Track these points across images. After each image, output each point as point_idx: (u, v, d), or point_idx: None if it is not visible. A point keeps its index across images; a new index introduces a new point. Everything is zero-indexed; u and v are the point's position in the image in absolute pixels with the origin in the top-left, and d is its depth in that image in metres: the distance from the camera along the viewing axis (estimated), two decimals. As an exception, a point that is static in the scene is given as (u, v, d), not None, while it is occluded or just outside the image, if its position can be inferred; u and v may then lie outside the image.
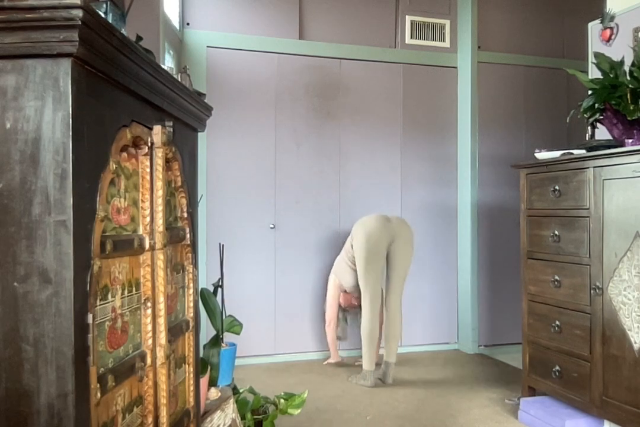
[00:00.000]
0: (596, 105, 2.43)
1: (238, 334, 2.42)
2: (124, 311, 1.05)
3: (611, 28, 3.03)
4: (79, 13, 0.77)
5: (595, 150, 2.41)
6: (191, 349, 1.49)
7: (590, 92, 2.46)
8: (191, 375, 1.49)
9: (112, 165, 0.96)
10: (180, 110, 1.35)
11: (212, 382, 2.05)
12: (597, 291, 2.33)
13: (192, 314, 1.49)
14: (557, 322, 2.57)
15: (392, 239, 3.35)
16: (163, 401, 1.21)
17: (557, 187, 2.57)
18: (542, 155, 2.69)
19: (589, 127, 2.68)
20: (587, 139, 2.70)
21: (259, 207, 3.81)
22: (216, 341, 2.16)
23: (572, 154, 2.51)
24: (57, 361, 0.82)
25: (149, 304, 1.16)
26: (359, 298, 3.54)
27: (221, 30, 3.74)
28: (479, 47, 4.18)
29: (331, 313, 3.65)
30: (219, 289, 2.44)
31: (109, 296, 0.98)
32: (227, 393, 2.10)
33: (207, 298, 2.33)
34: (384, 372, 3.35)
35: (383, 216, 3.42)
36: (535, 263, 2.73)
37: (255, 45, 3.79)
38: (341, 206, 3.96)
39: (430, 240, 4.13)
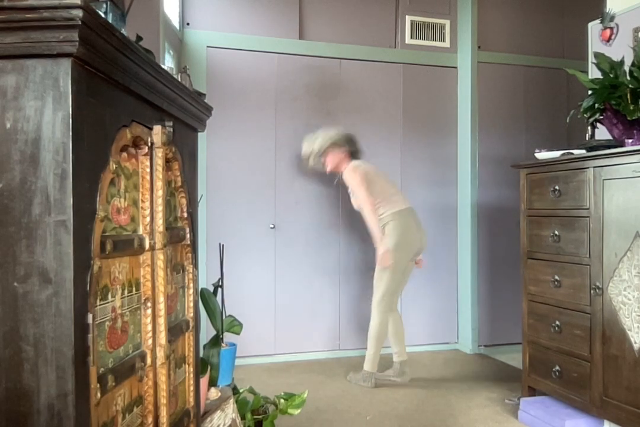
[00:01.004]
0: (596, 105, 2.43)
1: (238, 334, 2.42)
2: (124, 311, 1.05)
3: (611, 28, 3.03)
4: (79, 13, 0.77)
5: (595, 150, 2.41)
6: (191, 349, 1.49)
7: (590, 92, 2.46)
8: (191, 375, 1.49)
9: (112, 165, 0.96)
10: (180, 110, 1.35)
11: (212, 382, 2.05)
12: (597, 291, 2.33)
13: (192, 314, 1.49)
14: (557, 322, 2.57)
15: (418, 253, 3.43)
16: (163, 401, 1.21)
17: (557, 187, 2.57)
18: (542, 155, 2.69)
19: (589, 127, 2.68)
20: (587, 139, 2.70)
21: (259, 207, 3.81)
22: (216, 341, 2.16)
23: (572, 154, 2.51)
24: (57, 361, 0.82)
25: (149, 304, 1.16)
26: None
27: (221, 30, 3.74)
28: (479, 47, 4.18)
29: (368, 197, 3.34)
30: (219, 289, 2.44)
31: (109, 296, 0.98)
32: (227, 393, 2.10)
33: (207, 298, 2.33)
34: (402, 371, 3.35)
35: (418, 223, 3.40)
36: (535, 263, 2.73)
37: (255, 45, 3.79)
38: (341, 206, 3.96)
39: (430, 240, 4.12)
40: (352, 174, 3.35)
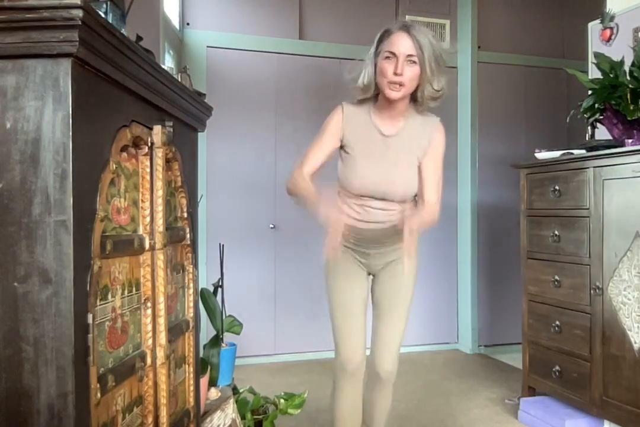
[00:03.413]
0: (596, 105, 2.43)
1: (238, 334, 2.41)
2: (124, 311, 1.05)
3: (611, 28, 3.03)
4: (79, 13, 0.77)
5: (595, 150, 2.41)
6: (191, 349, 1.48)
7: (590, 92, 2.46)
8: (191, 375, 1.49)
9: (112, 165, 0.96)
10: (180, 110, 1.35)
11: (212, 382, 2.05)
12: (597, 291, 2.33)
13: (192, 314, 1.49)
14: (557, 322, 2.57)
15: None
16: (163, 401, 1.21)
17: (557, 187, 2.57)
18: (542, 155, 2.69)
19: (589, 127, 2.68)
20: (587, 139, 2.70)
21: (259, 207, 3.81)
22: (216, 341, 2.16)
23: (572, 154, 2.51)
24: (57, 361, 0.82)
25: (149, 304, 1.16)
26: None
27: (221, 30, 3.74)
28: (479, 47, 4.18)
29: None
30: (219, 289, 2.44)
31: (109, 296, 0.98)
32: (227, 393, 2.10)
33: (207, 298, 2.32)
34: None
35: None
36: (535, 263, 2.73)
37: (255, 45, 3.79)
38: (341, 206, 3.96)
39: (430, 240, 4.13)
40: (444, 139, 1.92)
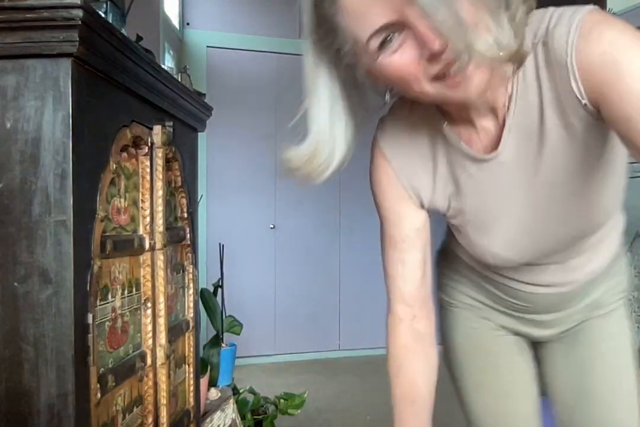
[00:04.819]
0: (596, 105, 2.43)
1: (238, 334, 2.42)
2: (124, 311, 1.05)
3: (611, 28, 3.03)
4: (79, 13, 0.77)
5: (595, 150, 2.41)
6: (191, 349, 1.49)
7: (590, 92, 2.46)
8: (191, 375, 1.49)
9: (112, 165, 0.96)
10: (180, 110, 1.35)
11: (212, 382, 2.05)
12: (597, 291, 2.32)
13: (192, 314, 1.49)
14: (557, 322, 2.57)
15: None
16: (163, 401, 1.21)
17: (557, 187, 2.57)
18: (542, 155, 2.69)
19: (589, 127, 2.67)
20: (587, 139, 2.70)
21: (259, 207, 3.81)
22: (216, 341, 2.16)
23: (572, 154, 2.51)
24: (57, 361, 0.82)
25: (149, 304, 1.16)
26: None
27: (221, 30, 3.74)
28: (479, 47, 4.18)
29: None
30: (219, 289, 2.44)
31: (109, 296, 0.98)
32: (227, 393, 2.10)
33: (207, 298, 2.33)
34: None
35: None
36: (535, 263, 2.73)
37: (255, 45, 3.79)
38: (341, 206, 3.96)
39: (431, 240, 4.13)
40: None
